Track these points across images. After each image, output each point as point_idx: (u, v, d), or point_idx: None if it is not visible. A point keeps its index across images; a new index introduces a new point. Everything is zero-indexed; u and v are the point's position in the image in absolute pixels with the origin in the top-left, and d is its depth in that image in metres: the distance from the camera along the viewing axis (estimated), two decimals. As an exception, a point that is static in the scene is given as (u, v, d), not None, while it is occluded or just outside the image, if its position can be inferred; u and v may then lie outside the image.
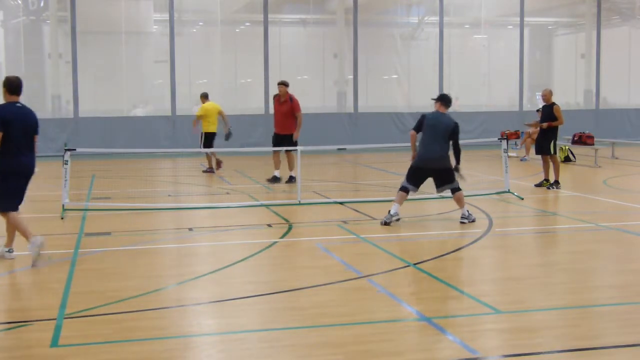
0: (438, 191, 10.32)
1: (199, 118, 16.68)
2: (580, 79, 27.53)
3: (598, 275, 7.54)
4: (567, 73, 28.13)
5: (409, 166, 10.26)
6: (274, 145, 14.57)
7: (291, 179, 14.42)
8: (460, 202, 10.08)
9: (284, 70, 24.80)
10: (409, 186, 10.11)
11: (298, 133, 14.53)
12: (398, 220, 9.93)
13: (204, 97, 16.96)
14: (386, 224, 9.82)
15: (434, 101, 10.40)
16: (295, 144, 14.28)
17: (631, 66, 27.68)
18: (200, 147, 16.59)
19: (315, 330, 5.60)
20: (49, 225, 10.25)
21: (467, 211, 10.04)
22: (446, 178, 10.10)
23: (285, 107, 14.58)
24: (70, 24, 22.22)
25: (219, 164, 16.49)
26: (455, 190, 10.10)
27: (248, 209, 11.58)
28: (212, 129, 16.57)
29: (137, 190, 14.28)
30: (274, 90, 23.96)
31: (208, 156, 16.77)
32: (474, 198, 11.84)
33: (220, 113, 16.59)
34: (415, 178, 10.15)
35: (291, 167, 14.53)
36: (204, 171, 16.88)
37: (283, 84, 14.72)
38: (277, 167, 14.79)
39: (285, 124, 14.57)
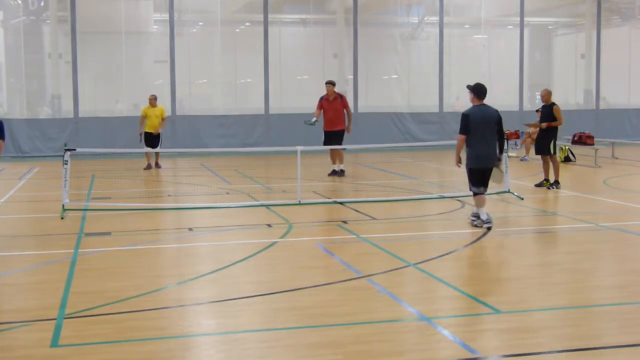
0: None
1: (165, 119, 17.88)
2: (580, 79, 27.50)
3: (598, 275, 7.54)
4: (567, 73, 28.10)
5: (466, 171, 9.87)
6: (326, 143, 15.51)
7: (341, 172, 15.60)
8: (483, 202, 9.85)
9: (284, 70, 24.83)
10: (479, 190, 9.75)
11: (350, 127, 15.78)
12: (490, 228, 9.49)
13: (155, 99, 17.89)
14: (475, 226, 9.66)
15: (468, 89, 9.77)
16: (341, 139, 15.52)
17: (631, 66, 27.65)
18: (151, 147, 17.53)
19: (315, 330, 5.60)
20: (49, 225, 10.26)
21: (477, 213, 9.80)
22: (488, 178, 9.91)
23: (337, 104, 15.61)
24: (70, 24, 22.22)
25: (156, 163, 17.97)
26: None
27: (248, 209, 11.57)
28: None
29: (137, 190, 14.29)
30: (274, 90, 24.25)
31: (158, 154, 17.97)
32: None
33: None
34: (479, 179, 9.76)
35: (340, 162, 15.64)
36: (155, 168, 17.84)
37: (331, 84, 15.75)
38: (334, 162, 15.82)
39: (337, 120, 15.61)
